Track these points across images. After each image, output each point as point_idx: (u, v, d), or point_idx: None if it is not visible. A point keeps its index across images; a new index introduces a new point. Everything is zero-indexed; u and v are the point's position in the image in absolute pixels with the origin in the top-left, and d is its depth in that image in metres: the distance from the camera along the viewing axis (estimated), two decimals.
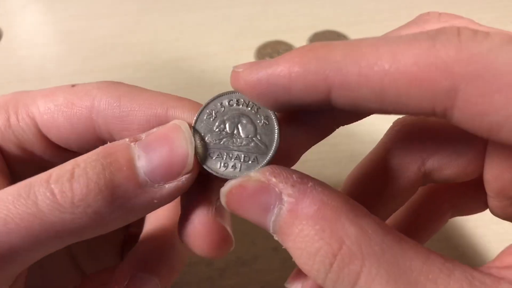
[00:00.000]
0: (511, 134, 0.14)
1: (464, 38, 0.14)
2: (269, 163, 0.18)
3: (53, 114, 0.21)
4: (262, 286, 0.33)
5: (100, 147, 0.18)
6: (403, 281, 0.14)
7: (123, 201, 0.18)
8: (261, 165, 0.18)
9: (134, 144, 0.18)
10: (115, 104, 0.21)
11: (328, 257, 0.15)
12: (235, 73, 0.18)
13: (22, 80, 0.51)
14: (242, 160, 0.19)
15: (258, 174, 0.17)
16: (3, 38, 0.56)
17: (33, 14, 0.60)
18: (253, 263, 0.34)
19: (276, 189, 0.16)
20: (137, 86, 0.22)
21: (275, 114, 0.19)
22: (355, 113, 0.19)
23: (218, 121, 0.19)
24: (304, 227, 0.16)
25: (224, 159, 0.19)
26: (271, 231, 0.17)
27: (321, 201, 0.16)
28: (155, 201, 0.18)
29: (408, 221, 0.25)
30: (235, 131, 0.19)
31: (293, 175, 0.17)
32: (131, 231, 0.31)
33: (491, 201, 0.21)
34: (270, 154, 0.19)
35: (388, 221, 0.25)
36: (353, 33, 0.54)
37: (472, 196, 0.23)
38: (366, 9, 0.57)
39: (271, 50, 0.53)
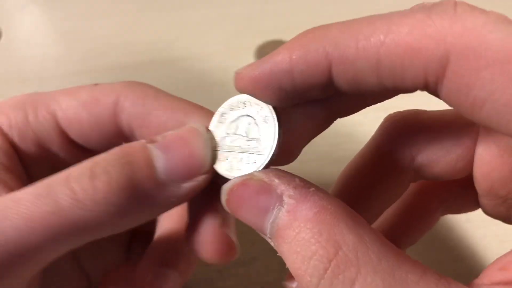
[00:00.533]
0: (492, 112, 0.14)
1: (460, 10, 0.14)
2: (268, 164, 0.18)
3: (76, 110, 0.22)
4: (261, 286, 0.33)
5: (117, 148, 0.19)
6: None
7: (143, 199, 0.18)
8: (260, 166, 0.18)
9: (151, 145, 0.19)
10: (140, 102, 0.22)
11: (323, 261, 0.15)
12: (237, 74, 0.18)
13: (22, 80, 0.51)
14: (245, 162, 0.19)
15: (262, 174, 0.17)
16: (3, 38, 0.56)
17: (32, 14, 0.60)
18: (252, 263, 0.34)
19: (278, 190, 0.16)
20: (160, 89, 0.23)
21: (275, 113, 0.19)
22: (355, 100, 0.19)
23: (227, 125, 0.20)
24: (301, 230, 0.15)
25: (231, 161, 0.19)
26: (268, 234, 0.17)
27: (321, 205, 0.16)
28: (173, 199, 0.19)
29: (398, 219, 0.25)
30: (241, 134, 0.19)
31: (296, 179, 0.17)
32: (137, 229, 0.31)
33: (481, 199, 0.21)
34: (268, 155, 0.18)
35: (378, 220, 0.25)
36: None
37: (461, 194, 0.23)
38: (366, 9, 0.57)
39: (271, 50, 0.52)
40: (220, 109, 0.20)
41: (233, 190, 0.17)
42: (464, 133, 0.20)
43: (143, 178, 0.18)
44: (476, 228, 0.36)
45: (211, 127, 0.20)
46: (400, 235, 0.25)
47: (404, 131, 0.21)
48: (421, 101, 0.22)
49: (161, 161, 0.18)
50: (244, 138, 0.19)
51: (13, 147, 0.22)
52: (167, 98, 0.22)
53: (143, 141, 0.19)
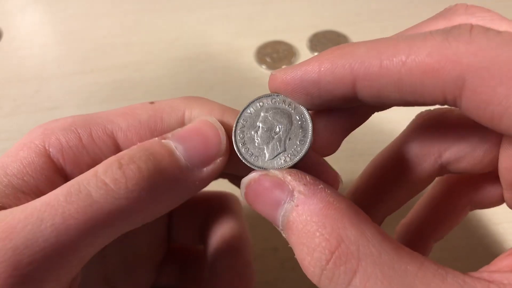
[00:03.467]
0: (510, 124, 0.15)
1: (475, 33, 0.15)
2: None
3: (138, 131, 0.21)
4: (262, 286, 0.33)
5: (135, 145, 0.20)
6: (397, 283, 0.15)
7: (171, 183, 0.19)
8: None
9: (165, 140, 0.20)
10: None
11: (325, 253, 0.16)
12: (272, 76, 0.20)
13: (22, 80, 0.51)
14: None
15: (276, 171, 0.19)
16: (3, 38, 0.56)
17: (33, 14, 0.60)
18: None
19: (290, 186, 0.18)
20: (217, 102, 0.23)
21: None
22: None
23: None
24: (308, 223, 0.17)
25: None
26: (279, 226, 0.18)
27: (327, 201, 0.17)
28: (197, 182, 0.20)
29: (428, 215, 0.26)
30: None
31: (307, 177, 0.18)
32: (172, 245, 0.31)
33: (505, 193, 0.22)
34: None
35: (408, 216, 0.27)
36: (353, 33, 0.54)
37: (489, 189, 0.24)
38: (366, 9, 0.57)
39: (271, 50, 0.53)
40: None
41: (250, 184, 0.19)
42: (490, 129, 0.21)
43: (168, 165, 0.19)
44: (476, 228, 0.36)
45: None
46: (429, 230, 0.26)
47: (433, 128, 0.22)
48: None
49: (180, 150, 0.20)
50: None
51: (61, 172, 0.21)
52: (232, 111, 0.22)
53: (156, 139, 0.20)
